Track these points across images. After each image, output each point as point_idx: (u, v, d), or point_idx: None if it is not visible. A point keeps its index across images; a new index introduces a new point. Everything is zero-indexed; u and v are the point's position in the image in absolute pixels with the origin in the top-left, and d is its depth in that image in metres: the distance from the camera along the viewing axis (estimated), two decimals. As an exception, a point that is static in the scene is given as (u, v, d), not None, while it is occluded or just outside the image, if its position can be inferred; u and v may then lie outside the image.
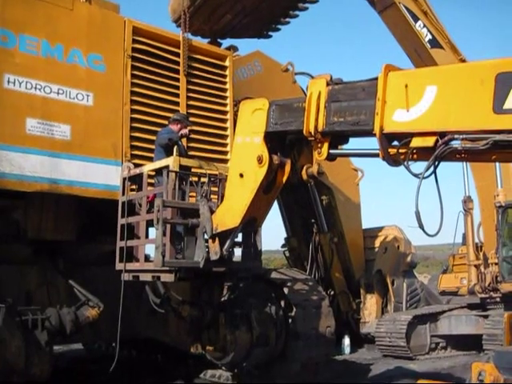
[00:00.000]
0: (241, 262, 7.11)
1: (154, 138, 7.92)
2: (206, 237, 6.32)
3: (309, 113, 4.93)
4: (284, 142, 5.71)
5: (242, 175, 5.76)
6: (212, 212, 6.26)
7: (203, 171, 6.93)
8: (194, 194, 6.98)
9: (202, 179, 6.85)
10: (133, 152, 7.78)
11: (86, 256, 8.20)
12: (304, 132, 4.98)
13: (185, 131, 7.41)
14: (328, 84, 4.92)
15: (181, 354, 9.80)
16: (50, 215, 7.76)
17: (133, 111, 7.89)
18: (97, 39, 7.66)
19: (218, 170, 7.12)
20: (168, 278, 6.54)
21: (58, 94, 7.19)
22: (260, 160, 5.50)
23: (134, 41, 8.03)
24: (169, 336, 9.05)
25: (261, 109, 5.55)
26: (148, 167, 7.19)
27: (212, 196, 6.86)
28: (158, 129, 8.02)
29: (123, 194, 7.21)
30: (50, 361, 6.70)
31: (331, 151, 4.99)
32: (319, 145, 5.00)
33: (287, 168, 5.81)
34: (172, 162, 6.64)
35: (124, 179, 7.26)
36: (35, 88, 7.01)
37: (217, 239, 6.20)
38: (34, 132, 6.94)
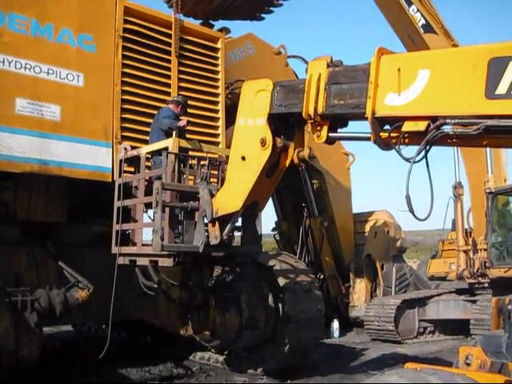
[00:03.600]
0: (240, 247, 7.06)
1: (145, 119, 7.89)
2: (205, 221, 6.24)
3: (308, 95, 4.84)
4: (288, 124, 5.56)
5: (243, 158, 5.63)
6: (212, 195, 6.16)
7: (203, 154, 6.86)
8: (192, 178, 6.93)
9: (202, 162, 6.78)
10: (123, 133, 7.72)
11: (75, 238, 8.17)
12: (303, 114, 4.89)
13: (183, 123, 7.29)
14: (328, 66, 4.83)
15: (170, 336, 9.83)
16: (40, 196, 7.71)
17: (124, 92, 7.83)
18: (87, 19, 7.56)
19: (218, 152, 7.03)
20: (166, 262, 6.47)
21: (47, 74, 7.11)
22: (263, 143, 5.37)
23: (126, 21, 7.93)
24: (159, 318, 9.08)
25: (264, 90, 5.40)
26: (146, 149, 7.10)
27: (211, 179, 6.80)
28: (149, 110, 7.99)
29: (119, 176, 7.13)
30: (40, 342, 6.69)
31: (330, 134, 4.91)
32: (318, 128, 4.91)
33: (290, 151, 5.67)
34: (171, 143, 6.55)
35: (120, 161, 7.17)
36: (24, 68, 6.93)
37: (217, 223, 6.11)
38: (24, 112, 6.87)
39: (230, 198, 5.92)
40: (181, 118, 7.50)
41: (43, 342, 6.95)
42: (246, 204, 5.84)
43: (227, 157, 6.55)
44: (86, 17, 7.54)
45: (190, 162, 6.72)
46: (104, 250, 7.28)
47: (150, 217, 7.53)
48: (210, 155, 6.85)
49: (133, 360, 9.01)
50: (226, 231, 6.14)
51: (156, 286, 7.16)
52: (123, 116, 7.77)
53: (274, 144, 5.41)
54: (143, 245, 7.00)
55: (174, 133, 6.84)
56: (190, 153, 6.94)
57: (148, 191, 6.70)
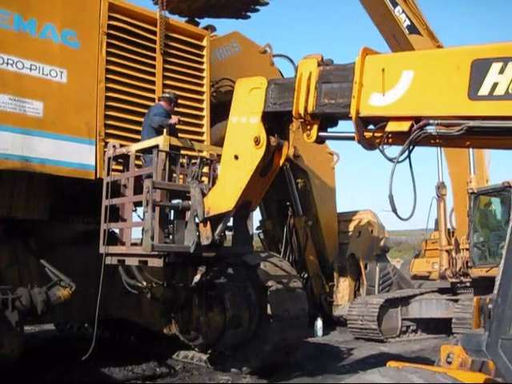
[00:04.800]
0: (232, 247, 6.93)
1: (128, 117, 7.85)
2: (196, 220, 6.12)
3: (298, 93, 4.76)
4: (282, 122, 5.46)
5: (236, 157, 5.47)
6: (203, 195, 6.03)
7: (194, 153, 6.78)
8: (181, 176, 6.84)
9: (192, 160, 6.69)
10: (107, 131, 7.66)
11: (58, 236, 8.11)
12: (293, 113, 4.82)
13: (174, 120, 7.23)
14: (319, 64, 4.75)
15: (154, 335, 9.79)
16: (22, 194, 7.62)
17: (107, 89, 7.76)
18: (71, 15, 7.48)
19: (209, 150, 6.93)
20: (156, 262, 6.36)
21: (30, 69, 7.03)
22: (257, 141, 5.23)
23: (110, 17, 7.87)
24: (142, 317, 9.04)
25: (258, 87, 5.26)
26: (136, 146, 6.99)
27: (202, 178, 6.71)
28: (134, 108, 7.95)
29: (108, 174, 7.01)
30: (21, 341, 6.63)
31: (320, 134, 4.83)
32: (308, 127, 4.81)
33: (285, 150, 5.57)
34: (162, 141, 6.45)
35: (109, 159, 7.06)
36: (7, 63, 6.84)
37: (208, 223, 5.99)
38: (6, 108, 6.78)
39: (223, 197, 5.79)
40: (172, 115, 7.43)
41: (25, 341, 6.89)
42: (238, 204, 5.70)
43: (218, 155, 6.48)
44: (70, 13, 7.47)
45: (180, 160, 6.64)
46: (86, 248, 7.23)
47: (139, 216, 7.43)
48: (201, 154, 6.77)
49: (116, 359, 8.97)
50: (217, 231, 6.01)
51: (139, 284, 7.13)
52: (107, 113, 7.71)
53: (268, 143, 5.29)
54: (132, 244, 6.91)
55: (164, 130, 6.75)
56: (182, 151, 6.86)
57: (136, 190, 6.63)
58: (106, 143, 7.50)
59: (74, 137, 7.32)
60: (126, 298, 8.06)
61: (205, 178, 6.94)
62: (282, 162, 5.67)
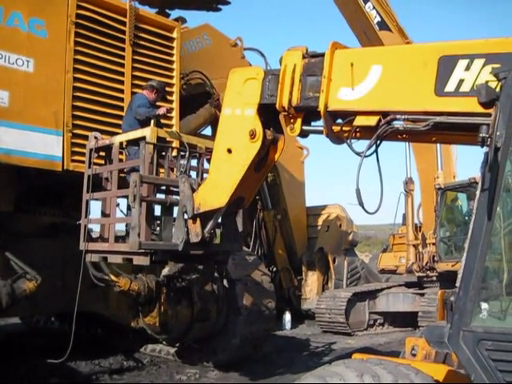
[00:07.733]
0: (220, 245, 6.73)
1: (97, 108, 7.73)
2: (185, 217, 5.84)
3: (282, 86, 4.65)
4: (277, 115, 5.18)
5: (230, 151, 5.20)
6: (193, 190, 5.76)
7: (181, 145, 6.58)
8: (162, 170, 6.64)
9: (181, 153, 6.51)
10: (74, 122, 7.51)
11: (23, 228, 7.96)
12: (277, 106, 4.71)
13: (163, 110, 6.89)
14: (304, 57, 4.65)
15: (121, 329, 9.72)
16: (-14, 185, 7.48)
17: (75, 80, 7.61)
18: (39, 3, 7.31)
19: (198, 143, 6.76)
20: (142, 260, 6.10)
21: (-5, 58, 6.88)
22: (253, 135, 4.99)
23: (79, 7, 7.71)
24: (109, 310, 8.95)
25: (254, 78, 5.02)
26: (120, 138, 6.74)
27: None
28: (102, 99, 7.83)
29: (89, 166, 6.74)
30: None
31: (304, 127, 4.75)
32: (292, 120, 4.72)
33: (280, 144, 5.35)
34: (149, 133, 6.17)
35: (90, 150, 6.80)
36: (-29, 51, 6.69)
37: (198, 220, 5.71)
38: (-30, 97, 6.63)
39: (215, 193, 5.51)
40: (159, 104, 7.20)
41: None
42: (231, 200, 5.41)
43: (207, 148, 6.35)
44: (38, 1, 7.31)
45: (168, 153, 6.41)
46: (53, 240, 7.12)
47: (122, 211, 7.26)
48: (190, 146, 6.56)
49: (82, 352, 8.85)
50: (207, 228, 5.74)
51: (106, 277, 7.05)
52: (74, 104, 7.56)
53: (264, 136, 5.05)
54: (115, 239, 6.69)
55: (152, 121, 6.50)
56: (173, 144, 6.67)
57: (119, 184, 6.44)
58: (74, 134, 7.38)
59: (40, 127, 7.16)
60: (93, 290, 7.95)
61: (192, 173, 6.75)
62: (277, 156, 5.46)
